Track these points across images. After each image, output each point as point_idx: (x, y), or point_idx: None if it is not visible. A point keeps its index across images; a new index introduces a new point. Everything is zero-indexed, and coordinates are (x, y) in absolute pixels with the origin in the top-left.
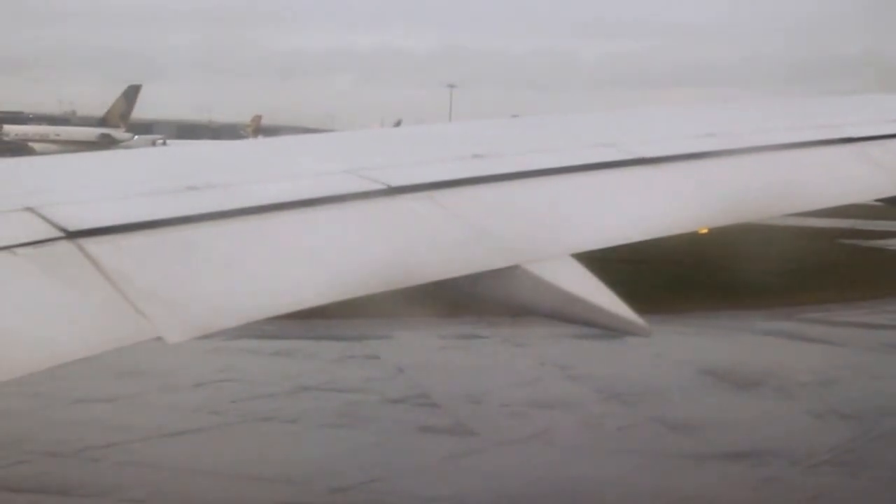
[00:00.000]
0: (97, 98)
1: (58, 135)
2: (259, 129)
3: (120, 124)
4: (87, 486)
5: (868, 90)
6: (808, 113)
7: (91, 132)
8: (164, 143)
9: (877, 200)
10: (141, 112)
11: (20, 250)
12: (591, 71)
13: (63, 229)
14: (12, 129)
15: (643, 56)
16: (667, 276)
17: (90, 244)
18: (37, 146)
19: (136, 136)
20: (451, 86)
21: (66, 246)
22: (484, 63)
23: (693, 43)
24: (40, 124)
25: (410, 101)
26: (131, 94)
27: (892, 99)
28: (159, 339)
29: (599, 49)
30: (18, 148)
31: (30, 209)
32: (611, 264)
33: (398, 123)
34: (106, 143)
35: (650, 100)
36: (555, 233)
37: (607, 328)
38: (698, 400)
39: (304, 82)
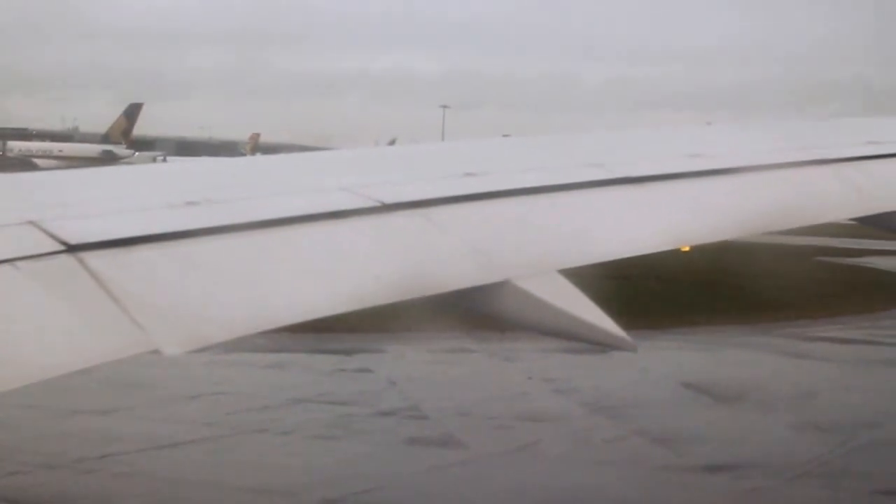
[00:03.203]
0: (100, 116)
1: (60, 151)
2: (257, 146)
3: (121, 141)
4: (82, 497)
5: (856, 114)
6: (788, 135)
7: (93, 148)
8: (164, 160)
9: (852, 219)
10: (142, 129)
11: (22, 263)
12: (593, 94)
13: (64, 243)
14: (16, 145)
15: (644, 80)
16: (651, 293)
17: (90, 258)
18: (40, 162)
19: (137, 153)
20: (444, 106)
21: (66, 259)
22: (488, 85)
23: (691, 69)
24: (43, 140)
25: (412, 122)
26: (132, 111)
27: (868, 122)
28: (156, 351)
29: (602, 73)
30: (22, 163)
31: (32, 223)
32: (597, 280)
33: (392, 142)
34: (107, 159)
35: (648, 122)
36: (543, 249)
37: (593, 343)
38: (681, 413)
39: (306, 102)
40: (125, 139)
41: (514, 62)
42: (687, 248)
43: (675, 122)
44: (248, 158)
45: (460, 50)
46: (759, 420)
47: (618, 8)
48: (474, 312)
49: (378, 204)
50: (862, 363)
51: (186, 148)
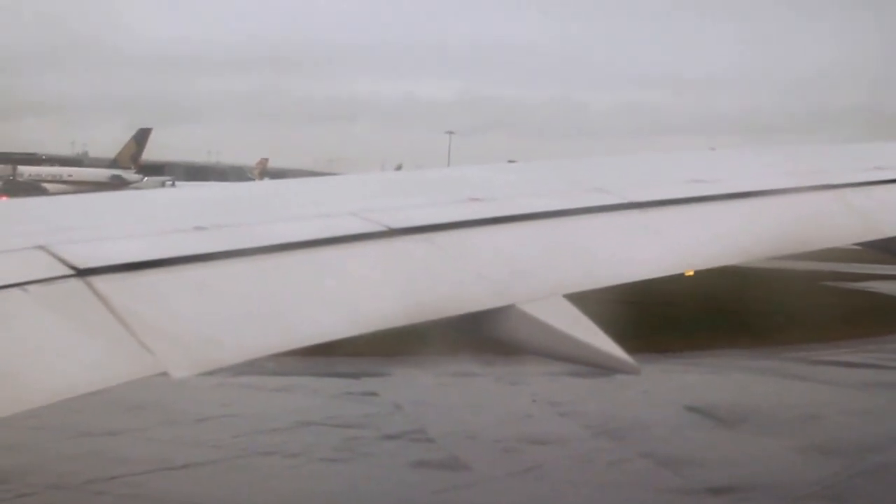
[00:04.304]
0: (109, 140)
1: (70, 175)
2: (265, 171)
3: (130, 166)
4: None
5: (862, 140)
6: (791, 160)
7: (102, 173)
8: (173, 185)
9: (857, 244)
10: (151, 154)
11: (31, 287)
12: (598, 120)
13: (73, 267)
14: (26, 170)
15: (649, 106)
16: (655, 317)
17: (99, 282)
18: (50, 186)
19: (146, 178)
20: (450, 132)
21: (75, 283)
22: (496, 112)
23: (697, 95)
24: (53, 165)
25: (418, 147)
26: (141, 136)
27: (874, 148)
28: (165, 374)
29: (607, 100)
30: (32, 188)
31: (41, 247)
32: (602, 305)
33: (399, 167)
34: (116, 183)
35: (653, 148)
36: (548, 274)
37: (598, 366)
38: (685, 436)
39: (314, 127)
40: (134, 164)
41: (522, 89)
42: (691, 273)
43: (681, 147)
44: (256, 183)
45: (468, 76)
46: (764, 443)
47: (623, 35)
48: (480, 336)
49: (384, 228)
50: (867, 387)
51: (195, 173)
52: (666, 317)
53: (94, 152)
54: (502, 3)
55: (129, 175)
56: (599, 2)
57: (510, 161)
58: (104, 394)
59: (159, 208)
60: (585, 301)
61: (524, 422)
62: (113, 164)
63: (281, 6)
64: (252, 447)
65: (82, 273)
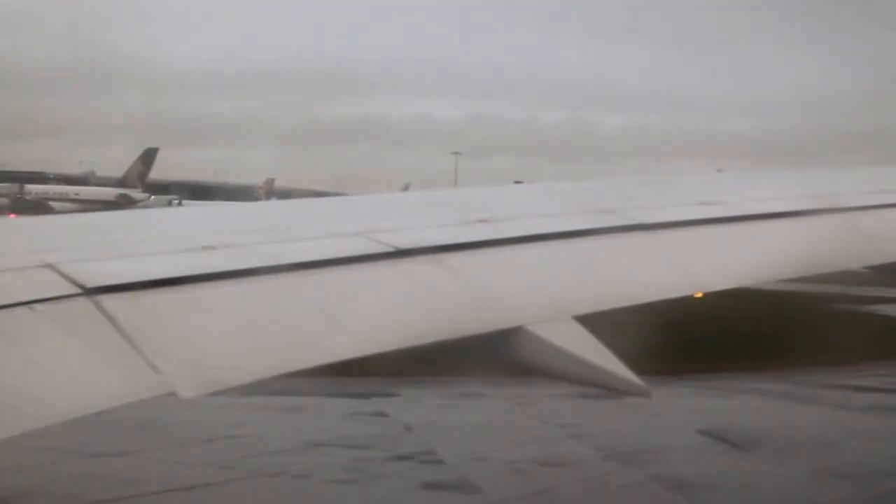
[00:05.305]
0: (116, 160)
1: (77, 194)
2: (272, 191)
3: (137, 185)
4: None
5: (868, 163)
6: (799, 183)
7: (109, 192)
8: (180, 204)
9: (865, 267)
10: (158, 173)
11: (39, 306)
12: (606, 143)
13: (81, 286)
14: (33, 189)
15: (658, 129)
16: (664, 339)
17: (107, 301)
18: (56, 205)
19: (153, 197)
20: (457, 153)
21: (83, 302)
22: (505, 133)
23: (706, 118)
24: (60, 184)
25: (427, 168)
26: (148, 156)
27: (881, 171)
28: (172, 394)
29: (616, 122)
30: (39, 206)
31: (49, 266)
32: (611, 326)
33: (406, 188)
34: (123, 202)
35: (665, 170)
36: (557, 295)
37: (608, 388)
38: (696, 459)
39: (321, 148)
40: (141, 183)
41: (530, 111)
42: (700, 295)
43: (690, 170)
44: (263, 203)
45: (477, 97)
46: (776, 467)
47: (632, 57)
48: (489, 358)
49: (392, 249)
50: (878, 411)
51: (201, 192)
52: (675, 339)
53: (102, 171)
54: (512, 25)
55: (136, 194)
56: (609, 24)
57: (517, 182)
58: (111, 414)
59: (166, 227)
60: (594, 323)
61: (534, 443)
62: (120, 183)
63: (288, 27)
64: (260, 468)
65: (90, 292)
